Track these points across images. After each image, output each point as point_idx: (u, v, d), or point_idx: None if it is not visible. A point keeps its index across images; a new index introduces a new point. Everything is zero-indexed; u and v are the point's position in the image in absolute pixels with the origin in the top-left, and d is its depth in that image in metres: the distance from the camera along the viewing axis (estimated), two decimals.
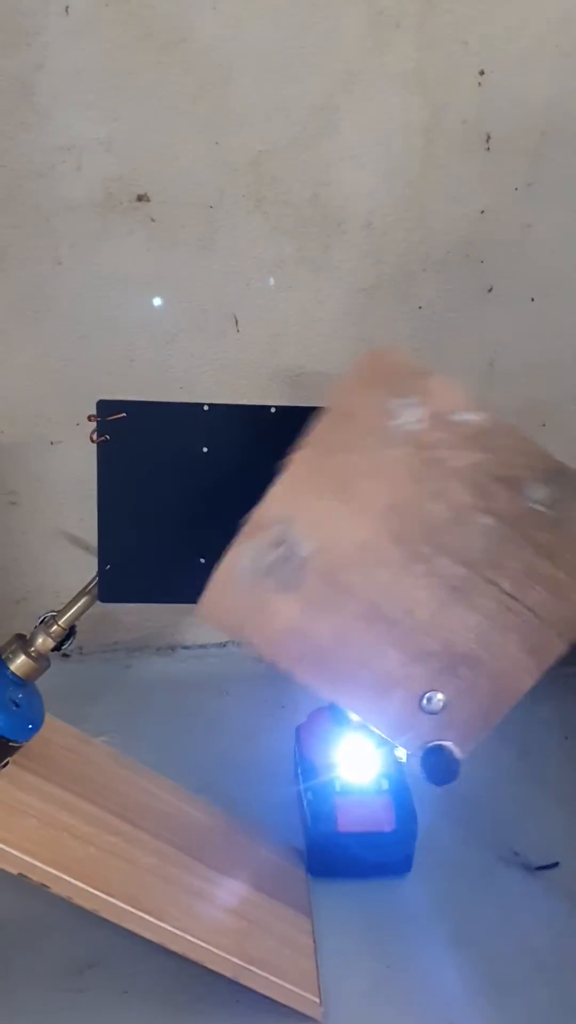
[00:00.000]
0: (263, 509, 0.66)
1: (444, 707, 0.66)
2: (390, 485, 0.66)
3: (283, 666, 0.67)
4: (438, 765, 0.66)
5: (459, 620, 0.65)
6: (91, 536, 0.78)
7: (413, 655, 0.66)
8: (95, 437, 0.74)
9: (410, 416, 0.66)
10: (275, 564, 0.66)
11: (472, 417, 0.66)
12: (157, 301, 1.16)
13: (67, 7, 1.02)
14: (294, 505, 0.66)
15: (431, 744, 0.66)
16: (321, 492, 0.67)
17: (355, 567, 0.66)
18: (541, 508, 0.65)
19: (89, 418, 0.74)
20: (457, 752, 0.66)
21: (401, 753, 0.90)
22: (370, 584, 0.66)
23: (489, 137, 1.15)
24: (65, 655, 0.82)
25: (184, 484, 0.76)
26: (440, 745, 0.66)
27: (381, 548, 0.66)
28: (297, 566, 0.65)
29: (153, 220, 1.13)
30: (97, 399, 0.75)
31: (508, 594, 0.65)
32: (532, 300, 1.25)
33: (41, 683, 0.81)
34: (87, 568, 0.79)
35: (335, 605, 0.66)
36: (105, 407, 0.74)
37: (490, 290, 1.23)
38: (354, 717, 0.91)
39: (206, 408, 0.75)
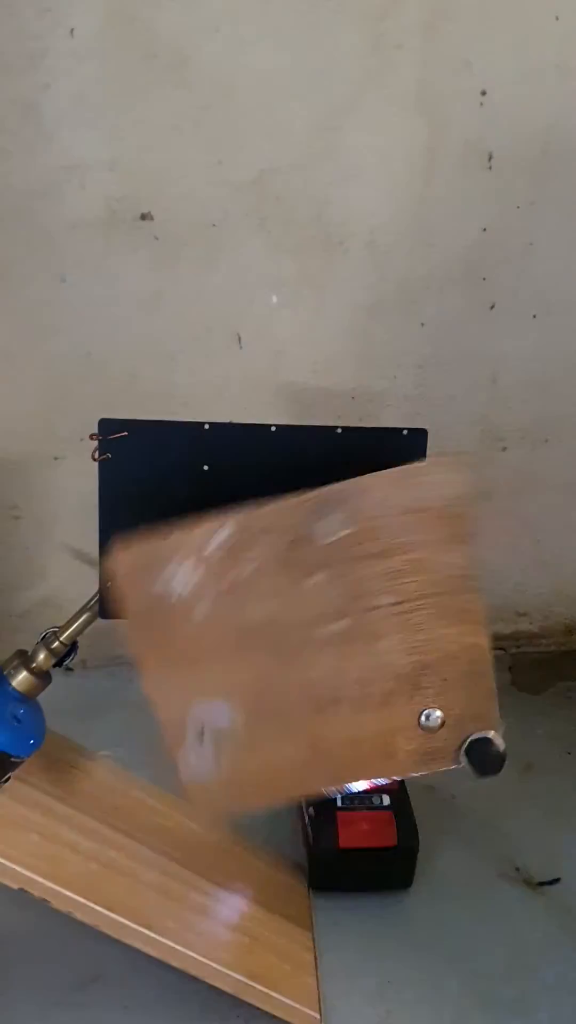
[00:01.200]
0: (166, 729, 0.71)
1: (443, 716, 0.66)
2: (226, 623, 0.69)
3: (296, 795, 0.77)
4: (483, 756, 0.67)
5: (380, 653, 0.67)
6: (94, 550, 0.78)
7: (379, 704, 0.68)
8: (97, 455, 0.75)
9: (183, 576, 0.68)
10: (216, 745, 0.70)
11: (223, 532, 0.68)
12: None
13: (72, 29, 1.04)
14: (181, 702, 0.70)
15: (469, 741, 0.67)
16: (188, 675, 0.70)
17: (269, 692, 0.69)
18: (341, 534, 0.67)
19: (91, 437, 0.74)
20: (492, 736, 0.67)
21: None
22: (293, 692, 0.69)
23: (491, 156, 1.15)
24: (68, 669, 0.82)
25: (185, 502, 0.76)
26: (476, 739, 0.67)
27: (270, 664, 0.69)
28: (230, 729, 0.69)
29: (156, 238, 1.14)
30: (99, 417, 0.76)
31: (394, 603, 0.67)
32: (534, 317, 1.25)
33: (44, 697, 0.82)
34: (90, 582, 0.80)
35: (289, 728, 0.69)
36: (107, 426, 0.75)
37: (492, 307, 1.24)
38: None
39: (207, 427, 0.76)
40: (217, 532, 0.68)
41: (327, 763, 0.70)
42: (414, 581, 0.67)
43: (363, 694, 0.68)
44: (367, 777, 0.74)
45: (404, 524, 0.67)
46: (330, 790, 0.76)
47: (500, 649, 1.44)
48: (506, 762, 0.67)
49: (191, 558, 0.68)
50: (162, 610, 0.69)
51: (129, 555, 0.69)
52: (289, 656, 0.69)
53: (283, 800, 0.76)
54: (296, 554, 0.68)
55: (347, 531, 0.67)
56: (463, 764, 0.67)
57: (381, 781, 0.75)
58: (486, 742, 0.66)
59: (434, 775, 0.69)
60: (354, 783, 0.75)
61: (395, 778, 0.73)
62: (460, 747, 0.67)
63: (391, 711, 0.67)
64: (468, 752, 0.66)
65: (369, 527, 0.67)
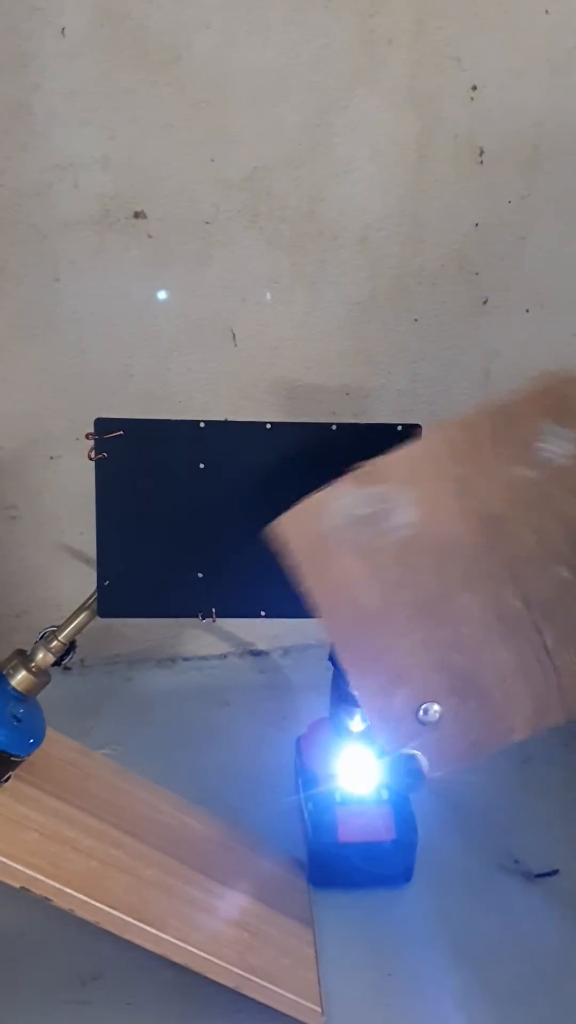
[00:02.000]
0: (383, 463, 0.66)
1: (437, 722, 0.66)
2: (505, 499, 0.67)
3: (320, 615, 0.68)
4: (406, 771, 0.66)
5: (493, 652, 0.66)
6: (92, 549, 0.78)
7: (436, 664, 0.66)
8: (93, 455, 0.75)
9: (558, 448, 0.67)
10: (366, 519, 0.66)
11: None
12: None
13: (63, 28, 1.04)
14: (412, 474, 0.67)
15: (407, 750, 0.66)
16: (442, 475, 0.67)
17: (433, 559, 0.66)
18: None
19: (87, 436, 0.74)
20: (426, 768, 0.66)
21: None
22: (436, 581, 0.66)
23: (482, 151, 1.16)
24: (67, 668, 0.83)
25: (182, 500, 0.76)
26: (415, 755, 0.66)
27: (465, 552, 0.66)
28: (384, 531, 0.66)
29: (150, 236, 1.14)
30: (95, 416, 0.76)
31: (546, 648, 0.66)
32: (527, 311, 1.26)
33: (43, 696, 0.82)
34: (88, 581, 0.80)
35: (396, 585, 0.66)
36: (102, 425, 0.75)
37: (485, 302, 1.24)
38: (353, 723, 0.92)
39: (203, 425, 0.76)
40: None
41: (367, 637, 0.67)
42: (572, 660, 0.66)
43: (446, 650, 0.66)
44: (357, 690, 0.69)
45: None
46: (343, 658, 0.72)
47: None
48: (503, 756, 0.67)
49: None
50: (517, 436, 0.67)
51: (569, 384, 0.68)
52: (484, 566, 0.66)
53: (314, 606, 0.69)
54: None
55: None
56: (385, 758, 0.67)
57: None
58: (414, 759, 0.66)
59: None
60: (351, 679, 0.71)
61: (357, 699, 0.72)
62: (403, 748, 0.66)
63: (432, 675, 0.66)
64: (396, 759, 0.67)
65: None
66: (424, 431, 0.71)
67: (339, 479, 0.66)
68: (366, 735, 0.93)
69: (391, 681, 0.67)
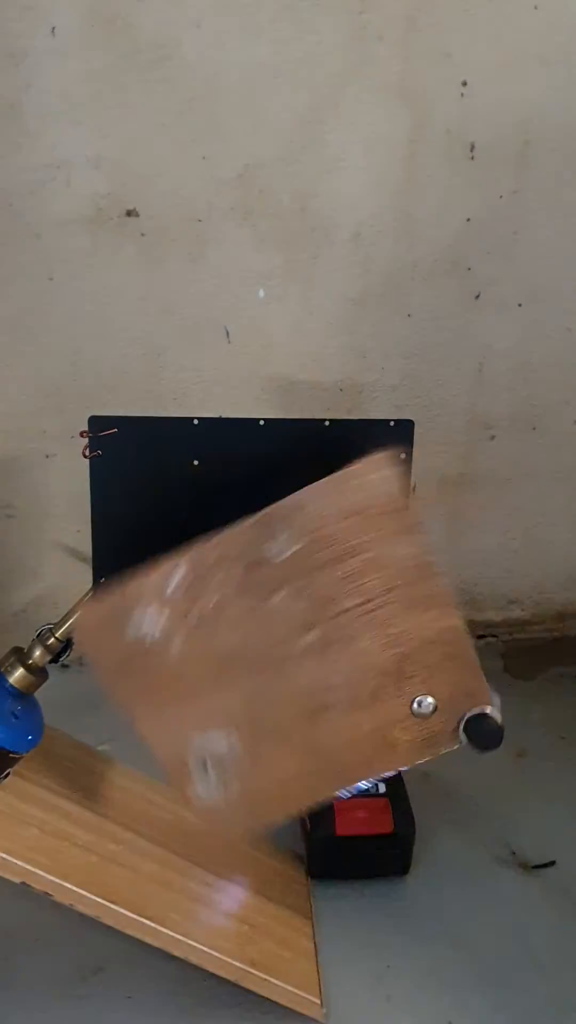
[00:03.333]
0: (168, 769, 0.72)
1: (434, 701, 0.67)
2: (202, 656, 0.70)
3: (308, 802, 0.75)
4: (481, 732, 0.68)
5: (359, 653, 0.69)
6: (88, 547, 0.79)
7: (368, 701, 0.69)
8: (87, 452, 0.75)
9: (151, 620, 0.70)
10: (221, 774, 0.72)
11: (179, 571, 0.70)
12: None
13: (53, 28, 1.04)
14: (177, 740, 0.72)
15: (465, 718, 0.68)
16: (177, 712, 0.72)
17: (260, 712, 0.71)
18: (292, 550, 0.69)
19: (81, 434, 0.75)
20: (489, 711, 0.68)
21: None
22: (283, 708, 0.70)
23: (473, 146, 1.16)
24: (64, 666, 0.83)
25: (176, 496, 0.77)
26: (472, 715, 0.68)
27: (255, 685, 0.70)
28: (234, 756, 0.71)
29: (143, 235, 1.14)
30: (89, 415, 0.76)
31: (360, 604, 0.68)
32: (520, 305, 1.26)
33: (41, 693, 0.83)
34: (85, 579, 0.80)
35: (283, 740, 0.71)
36: (97, 423, 0.75)
37: (478, 296, 1.25)
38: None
39: (196, 422, 0.76)
40: (173, 573, 0.70)
41: (332, 767, 0.72)
42: (374, 579, 0.68)
43: (351, 695, 0.69)
44: (373, 774, 0.74)
45: (349, 528, 0.68)
46: (340, 792, 0.77)
47: (492, 636, 1.45)
48: (499, 749, 0.68)
49: (154, 602, 0.70)
50: (138, 656, 0.71)
51: (92, 615, 0.72)
52: (271, 674, 0.70)
53: (297, 810, 0.77)
54: (254, 577, 0.69)
55: (297, 546, 0.68)
56: (464, 743, 0.68)
57: (388, 774, 0.76)
58: (482, 717, 0.68)
59: (431, 762, 0.70)
60: (361, 781, 0.76)
61: (401, 768, 0.74)
62: (457, 727, 0.68)
63: (382, 706, 0.68)
64: (467, 730, 0.68)
65: (317, 538, 0.68)
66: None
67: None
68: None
69: (387, 745, 0.70)
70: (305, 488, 0.68)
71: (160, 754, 0.72)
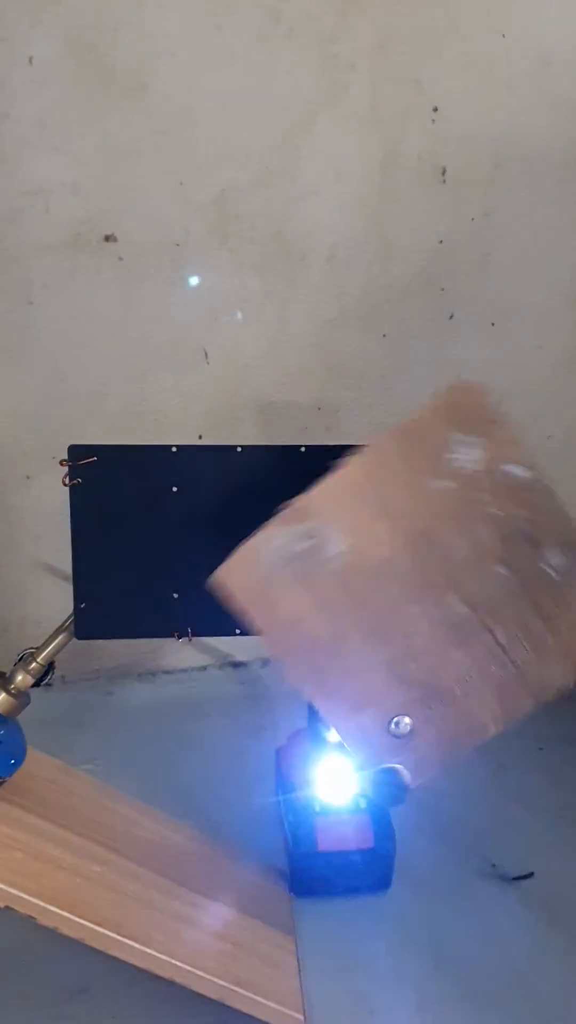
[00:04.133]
0: (306, 500, 0.68)
1: (410, 733, 0.68)
2: (428, 512, 0.69)
3: (274, 654, 0.70)
4: (388, 787, 0.68)
5: (448, 656, 0.68)
6: (69, 568, 0.80)
7: (396, 677, 0.68)
8: (67, 481, 0.76)
9: (468, 455, 0.68)
10: (300, 555, 0.68)
11: (521, 473, 0.69)
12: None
13: (31, 57, 1.05)
14: (336, 505, 0.69)
15: (386, 765, 0.68)
16: (364, 500, 0.69)
17: (372, 580, 0.68)
18: (552, 573, 0.68)
19: (61, 463, 0.76)
20: (408, 778, 0.68)
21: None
22: (380, 600, 0.68)
23: (444, 170, 1.18)
24: (47, 685, 0.84)
25: (155, 522, 0.78)
26: (394, 768, 0.68)
27: (401, 569, 0.68)
28: (320, 563, 0.68)
29: (121, 259, 1.16)
30: (70, 437, 0.77)
31: (499, 644, 0.68)
32: (492, 324, 1.28)
33: (24, 712, 0.83)
34: (67, 598, 0.81)
35: (342, 611, 0.68)
36: (76, 452, 0.76)
37: (451, 316, 1.27)
38: (330, 734, 0.94)
39: (175, 449, 0.78)
40: (522, 468, 0.68)
41: (325, 666, 0.69)
42: (527, 650, 0.68)
43: (400, 660, 0.68)
44: (328, 717, 0.72)
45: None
46: (307, 691, 0.74)
47: None
48: (478, 761, 0.69)
49: (488, 453, 0.68)
50: (427, 451, 0.69)
51: (479, 392, 0.70)
52: (413, 583, 0.69)
53: (265, 640, 0.71)
54: (521, 548, 0.69)
55: (557, 578, 0.69)
56: (366, 773, 0.69)
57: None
58: (395, 773, 0.68)
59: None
60: (320, 708, 0.73)
61: (329, 726, 0.73)
62: (382, 763, 0.68)
63: (394, 690, 0.68)
64: (376, 777, 0.69)
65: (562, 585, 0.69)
66: (341, 463, 0.73)
67: (267, 522, 0.68)
68: (344, 746, 0.94)
69: (357, 703, 0.69)
70: None
71: (316, 492, 0.69)
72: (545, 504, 0.70)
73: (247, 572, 0.68)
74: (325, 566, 0.68)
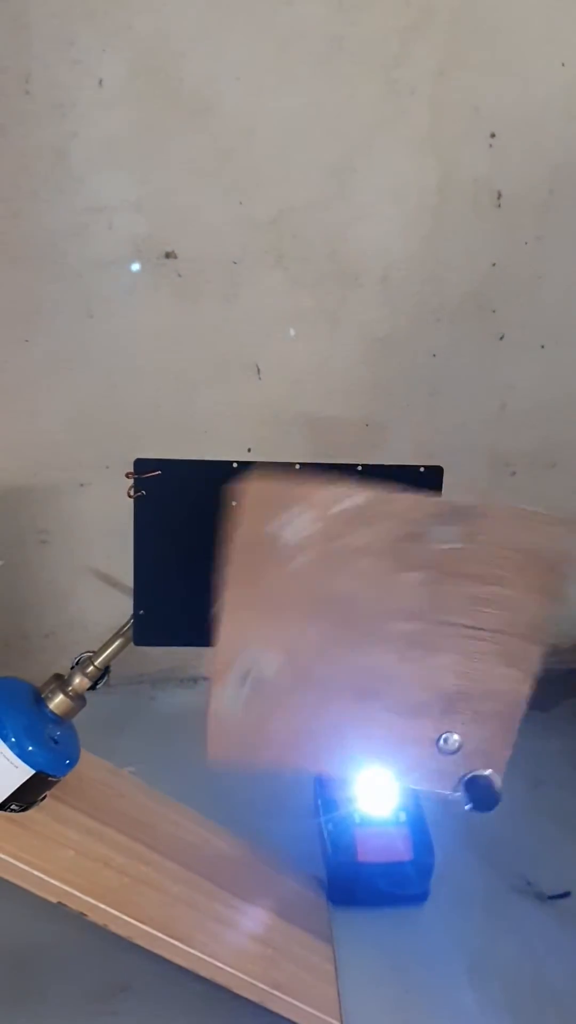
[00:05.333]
0: (218, 655, 0.72)
1: (460, 743, 0.70)
2: (314, 584, 0.71)
3: (303, 767, 0.75)
4: (479, 793, 0.70)
5: (434, 667, 0.70)
6: (118, 572, 0.82)
7: (410, 712, 0.71)
8: (132, 493, 0.79)
9: (300, 525, 0.70)
10: (253, 692, 0.72)
11: (353, 500, 0.70)
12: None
13: (100, 80, 1.09)
14: (242, 638, 0.72)
15: (468, 776, 0.71)
16: (259, 617, 0.72)
17: (322, 662, 0.71)
18: (454, 545, 0.69)
19: (127, 475, 0.79)
20: (493, 776, 0.70)
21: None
22: (343, 670, 0.71)
23: (500, 194, 1.20)
24: (107, 686, 0.86)
25: (214, 535, 0.80)
26: (476, 775, 0.70)
27: (335, 637, 0.71)
28: (273, 684, 0.71)
29: (180, 276, 1.18)
30: (125, 446, 0.80)
31: (467, 627, 0.70)
32: (542, 347, 1.30)
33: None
34: (113, 603, 0.84)
35: (323, 699, 0.72)
36: (141, 465, 0.79)
37: (502, 338, 1.28)
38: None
39: (235, 465, 0.80)
40: (349, 497, 0.69)
41: (344, 747, 0.73)
42: (495, 615, 0.69)
43: (402, 698, 0.70)
44: (371, 769, 0.75)
45: (509, 560, 0.69)
46: (334, 772, 0.78)
47: None
48: (516, 780, 0.71)
49: (316, 511, 0.70)
50: (265, 549, 0.71)
51: (262, 487, 0.71)
52: (354, 635, 0.71)
53: (291, 767, 0.76)
54: (405, 547, 0.70)
55: (459, 545, 0.69)
56: (459, 794, 0.70)
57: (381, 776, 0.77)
58: (486, 780, 0.70)
59: (439, 794, 0.72)
60: (354, 772, 0.76)
61: (395, 780, 0.76)
62: (462, 777, 0.70)
63: (419, 721, 0.70)
64: (467, 784, 0.70)
65: (479, 549, 0.69)
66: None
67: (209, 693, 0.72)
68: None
69: (396, 755, 0.72)
70: (497, 502, 0.70)
71: (220, 642, 0.72)
72: (395, 505, 0.71)
73: (227, 739, 0.74)
74: (278, 682, 0.72)
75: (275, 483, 0.71)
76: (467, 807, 0.70)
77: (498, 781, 0.70)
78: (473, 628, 0.70)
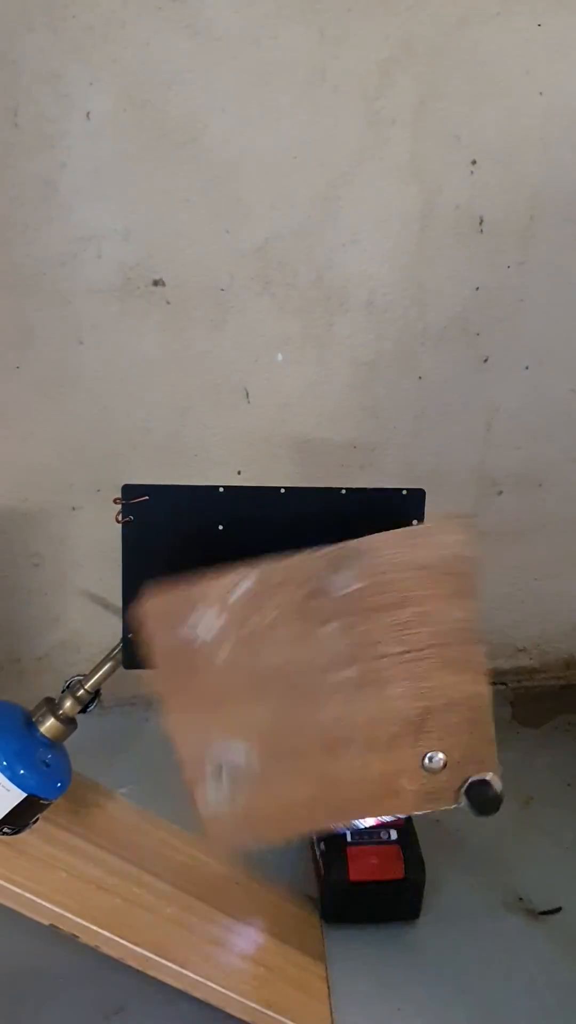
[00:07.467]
0: (186, 765, 0.75)
1: (445, 759, 0.71)
2: (245, 668, 0.74)
3: (305, 831, 0.79)
4: (482, 799, 0.71)
5: (389, 698, 0.72)
6: (111, 594, 0.83)
7: (385, 747, 0.72)
8: (120, 518, 0.81)
9: (208, 622, 0.74)
10: (233, 784, 0.74)
11: (245, 583, 0.73)
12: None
13: (88, 112, 1.11)
14: (201, 739, 0.75)
15: (468, 782, 0.72)
16: (207, 714, 0.75)
17: (284, 731, 0.74)
18: (353, 587, 0.72)
19: (115, 501, 0.80)
20: (490, 778, 0.72)
21: None
22: (306, 732, 0.74)
23: (482, 220, 1.22)
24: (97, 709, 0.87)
25: (201, 558, 0.81)
26: (475, 780, 0.71)
27: (286, 706, 0.74)
28: (247, 767, 0.74)
29: (168, 303, 1.20)
30: (115, 471, 0.81)
31: (401, 652, 0.72)
32: (526, 368, 1.32)
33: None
34: (106, 625, 0.85)
35: (301, 767, 0.74)
36: (129, 491, 0.80)
37: (486, 360, 1.30)
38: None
39: (222, 490, 0.82)
40: (241, 582, 0.73)
41: (336, 800, 0.75)
42: (421, 632, 0.71)
43: (371, 737, 0.72)
44: (373, 815, 0.78)
45: (412, 580, 0.72)
46: (338, 826, 0.80)
47: (501, 684, 1.48)
48: (507, 796, 0.72)
49: (216, 605, 0.73)
50: (187, 654, 0.74)
51: (158, 602, 0.74)
52: (303, 699, 0.73)
53: (294, 834, 0.80)
54: (312, 604, 0.73)
55: (359, 585, 0.72)
56: (463, 804, 0.72)
57: (386, 818, 0.79)
58: (485, 784, 0.71)
59: (438, 811, 0.73)
60: (360, 820, 0.79)
61: (399, 816, 0.77)
62: (460, 788, 0.71)
63: (396, 753, 0.72)
64: (467, 792, 0.71)
65: (379, 582, 0.72)
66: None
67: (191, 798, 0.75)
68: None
69: (390, 791, 0.73)
70: (381, 533, 0.72)
71: (182, 750, 0.75)
72: (286, 573, 0.74)
73: (225, 834, 0.77)
74: (253, 767, 0.74)
75: (169, 594, 0.74)
76: (474, 814, 0.71)
77: (497, 782, 0.72)
78: (408, 651, 0.72)
